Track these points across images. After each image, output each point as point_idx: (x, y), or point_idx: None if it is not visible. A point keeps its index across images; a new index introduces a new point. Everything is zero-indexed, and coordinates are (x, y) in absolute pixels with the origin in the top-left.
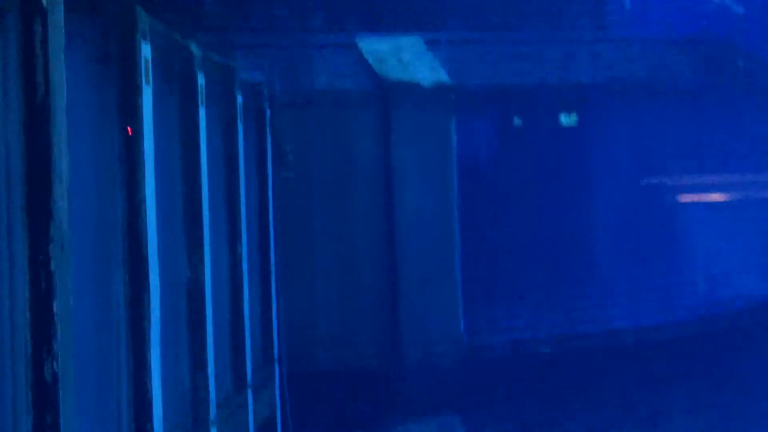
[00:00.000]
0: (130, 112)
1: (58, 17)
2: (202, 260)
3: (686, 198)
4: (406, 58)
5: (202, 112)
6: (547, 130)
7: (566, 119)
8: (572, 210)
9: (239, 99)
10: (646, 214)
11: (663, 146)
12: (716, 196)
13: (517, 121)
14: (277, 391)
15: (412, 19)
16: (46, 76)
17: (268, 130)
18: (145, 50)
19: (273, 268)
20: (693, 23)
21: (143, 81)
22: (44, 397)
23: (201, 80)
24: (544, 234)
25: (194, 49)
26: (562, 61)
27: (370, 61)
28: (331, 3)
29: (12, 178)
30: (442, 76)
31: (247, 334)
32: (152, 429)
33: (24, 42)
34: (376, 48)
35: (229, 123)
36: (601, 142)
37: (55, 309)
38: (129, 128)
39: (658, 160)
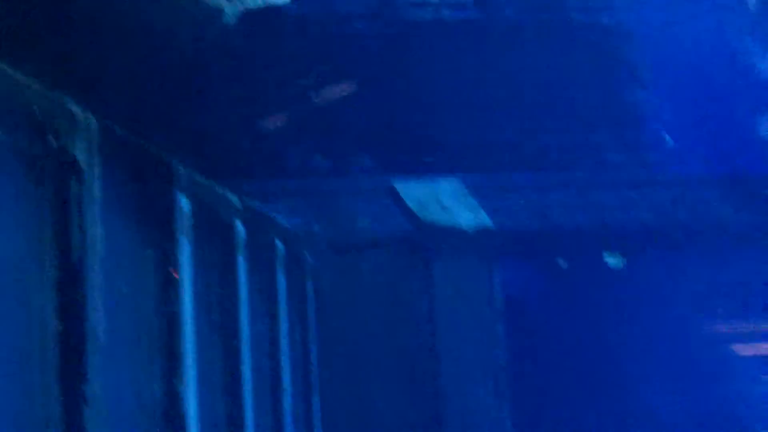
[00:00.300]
0: (169, 265)
1: (94, 175)
2: (242, 417)
3: (735, 346)
4: (447, 202)
5: (241, 262)
6: (593, 271)
7: (612, 261)
8: (619, 353)
9: (279, 247)
10: (694, 359)
11: (708, 289)
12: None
13: (562, 263)
14: None
15: (452, 162)
16: (82, 236)
17: (308, 275)
18: (183, 203)
19: (316, 417)
20: (735, 161)
21: (181, 234)
22: None
23: (240, 230)
24: (591, 379)
25: (233, 198)
26: (606, 203)
27: (411, 205)
28: (371, 148)
29: (47, 338)
30: (485, 220)
31: None
32: None
33: (59, 200)
34: (416, 192)
35: (269, 271)
36: (646, 284)
37: None
38: (174, 271)
39: (703, 303)
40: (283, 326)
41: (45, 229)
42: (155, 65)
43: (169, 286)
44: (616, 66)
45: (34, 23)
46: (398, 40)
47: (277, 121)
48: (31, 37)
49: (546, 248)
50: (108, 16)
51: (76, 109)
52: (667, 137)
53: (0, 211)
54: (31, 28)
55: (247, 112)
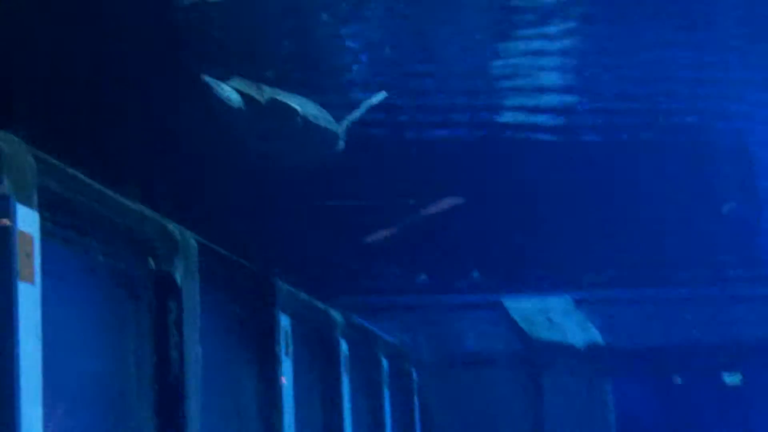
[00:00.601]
0: (270, 384)
1: (193, 295)
2: None
3: None
4: (555, 318)
5: (345, 380)
6: (709, 388)
7: (729, 378)
8: None
9: (384, 363)
10: None
11: None
12: None
13: (677, 379)
14: None
15: (559, 278)
16: (180, 356)
17: (415, 391)
18: (285, 322)
19: None
20: None
21: (283, 353)
22: None
23: (344, 347)
24: None
25: (336, 315)
26: (720, 318)
27: (519, 321)
28: (477, 264)
29: None
30: (595, 336)
31: None
32: None
33: (158, 320)
34: (523, 308)
35: (374, 386)
36: (764, 400)
37: None
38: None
39: None
40: None
41: (144, 349)
42: (260, 187)
43: (270, 407)
44: (730, 182)
45: (146, 154)
46: (505, 154)
47: (382, 237)
48: (142, 167)
49: (660, 365)
50: (228, 152)
51: (174, 229)
52: None
53: (102, 332)
54: (144, 160)
55: (351, 230)
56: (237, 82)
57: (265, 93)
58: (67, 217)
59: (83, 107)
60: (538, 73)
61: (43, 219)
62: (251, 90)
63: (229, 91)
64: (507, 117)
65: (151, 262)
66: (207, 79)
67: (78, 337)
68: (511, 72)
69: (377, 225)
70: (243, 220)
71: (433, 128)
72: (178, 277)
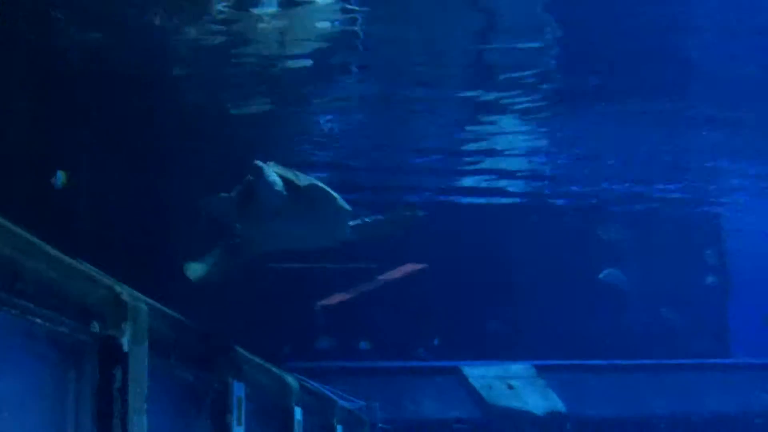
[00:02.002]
0: None
1: (140, 361)
2: None
3: None
4: (516, 385)
5: None
6: None
7: None
8: None
9: (339, 430)
10: None
11: None
12: None
13: None
14: None
15: (521, 345)
16: (123, 427)
17: None
18: (238, 389)
19: None
20: None
21: (235, 422)
22: None
23: (298, 415)
24: None
25: (291, 381)
26: (686, 390)
27: (477, 387)
28: (436, 330)
29: None
30: (557, 405)
31: None
32: None
33: (101, 388)
34: (483, 374)
35: None
36: None
37: None
38: None
39: None
40: None
41: (85, 419)
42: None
43: None
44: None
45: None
46: (466, 220)
47: (339, 302)
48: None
49: None
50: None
51: (122, 291)
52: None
53: (38, 400)
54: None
55: (308, 294)
56: (275, 167)
57: (301, 178)
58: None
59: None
60: (502, 143)
61: None
62: (289, 174)
63: (274, 175)
64: (469, 182)
65: (96, 326)
66: (257, 163)
67: (12, 407)
68: (474, 138)
69: (335, 289)
70: (196, 285)
71: (393, 192)
72: (125, 342)
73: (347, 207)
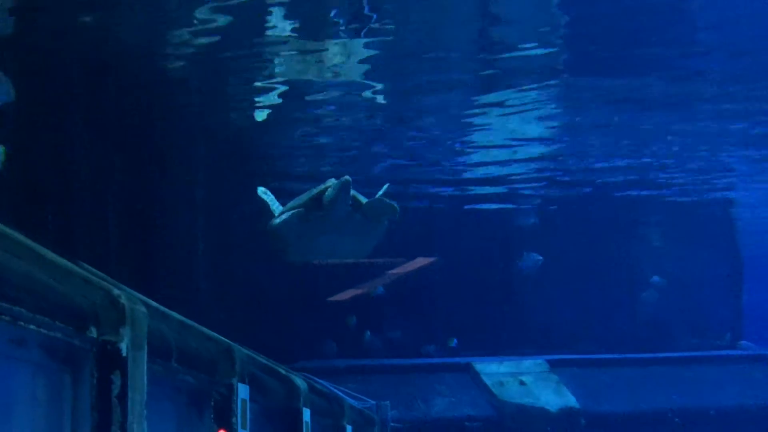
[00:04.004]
0: None
1: (140, 366)
2: None
3: None
4: (528, 381)
5: None
6: None
7: None
8: None
9: (349, 430)
10: None
11: None
12: None
13: None
14: None
15: (533, 341)
16: None
17: None
18: (242, 391)
19: None
20: None
21: (239, 426)
22: None
23: (306, 416)
24: None
25: (299, 382)
26: (701, 383)
27: (489, 385)
28: (447, 326)
29: None
30: (570, 400)
31: None
32: None
33: (99, 396)
34: (495, 371)
35: None
36: None
37: None
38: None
39: None
40: None
41: (83, 428)
42: (219, 250)
43: None
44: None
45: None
46: (478, 215)
47: (349, 298)
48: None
49: (634, 430)
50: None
51: (120, 294)
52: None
53: (33, 409)
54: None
55: (317, 291)
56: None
57: (360, 196)
58: None
59: None
60: (510, 131)
61: None
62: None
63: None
64: (476, 174)
65: (93, 331)
66: (348, 178)
67: (5, 418)
68: (485, 130)
69: (345, 286)
70: (200, 284)
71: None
72: (124, 347)
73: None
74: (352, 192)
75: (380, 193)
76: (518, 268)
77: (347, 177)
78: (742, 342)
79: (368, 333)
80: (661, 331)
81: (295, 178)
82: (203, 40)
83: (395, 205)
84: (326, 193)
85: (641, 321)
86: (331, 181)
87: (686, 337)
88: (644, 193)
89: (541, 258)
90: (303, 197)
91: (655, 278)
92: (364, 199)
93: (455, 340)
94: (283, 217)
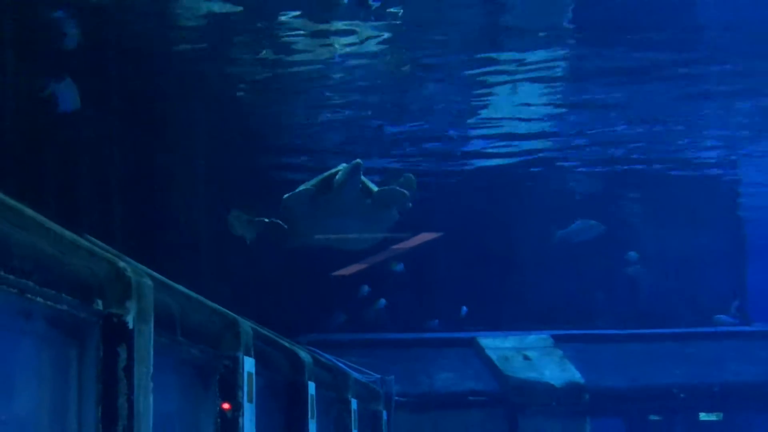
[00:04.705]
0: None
1: (146, 339)
2: None
3: None
4: (533, 356)
5: (312, 425)
6: (688, 425)
7: (707, 416)
8: None
9: (353, 404)
10: None
11: None
12: None
13: (653, 417)
14: None
15: (538, 316)
16: (129, 407)
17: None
18: (248, 365)
19: None
20: None
21: (245, 398)
22: None
23: (311, 389)
24: None
25: (303, 355)
26: (705, 359)
27: (494, 359)
28: (452, 301)
29: None
30: (575, 375)
31: None
32: None
33: (105, 368)
34: (500, 345)
35: (343, 428)
36: None
37: None
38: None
39: None
40: None
41: (89, 400)
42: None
43: None
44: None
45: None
46: (483, 189)
47: (353, 273)
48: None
49: (638, 405)
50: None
51: (126, 267)
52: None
53: (39, 382)
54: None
55: (321, 265)
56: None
57: (370, 183)
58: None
59: None
60: (518, 113)
61: None
62: (365, 180)
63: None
64: (481, 148)
65: (99, 304)
66: (359, 161)
67: (11, 390)
68: (489, 107)
69: (348, 260)
70: (204, 257)
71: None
72: (130, 320)
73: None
74: (364, 179)
75: (402, 177)
76: (569, 236)
77: (358, 161)
78: (719, 316)
79: (383, 301)
80: (648, 307)
81: (302, 152)
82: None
83: (407, 193)
84: (336, 177)
85: (623, 297)
86: (343, 166)
87: (672, 311)
88: (645, 167)
89: (598, 224)
90: (315, 179)
91: (632, 254)
92: (375, 188)
93: (465, 308)
94: (293, 192)
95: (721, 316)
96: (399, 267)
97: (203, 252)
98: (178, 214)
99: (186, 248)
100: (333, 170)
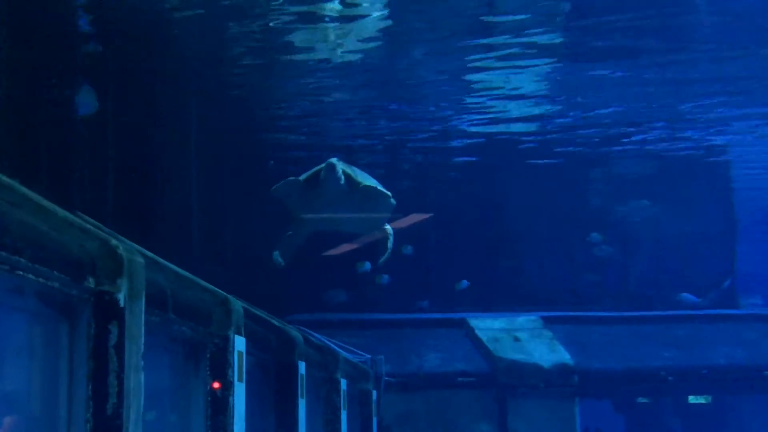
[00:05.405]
0: (221, 412)
1: (137, 317)
2: None
3: None
4: (523, 337)
5: (302, 403)
6: (676, 406)
7: (696, 399)
8: None
9: (342, 383)
10: None
11: None
12: None
13: (642, 399)
14: None
15: (528, 297)
16: (120, 384)
17: (374, 412)
18: (239, 344)
19: None
20: None
21: (236, 377)
22: None
23: (301, 368)
24: None
25: (294, 334)
26: (694, 342)
27: (484, 340)
28: (441, 281)
29: None
30: (564, 357)
31: None
32: None
33: (96, 345)
34: (489, 326)
35: (332, 408)
36: (732, 420)
37: None
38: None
39: None
40: None
41: (79, 376)
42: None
43: None
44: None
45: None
46: (472, 170)
47: (343, 253)
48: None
49: (628, 387)
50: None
51: (118, 245)
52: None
53: (30, 358)
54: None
55: (312, 245)
56: (342, 164)
57: (359, 176)
58: None
59: None
60: (505, 86)
61: None
62: (350, 172)
63: (341, 173)
64: (472, 128)
65: (91, 281)
66: (332, 160)
67: (2, 365)
68: (481, 88)
69: (338, 240)
70: (198, 237)
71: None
72: (121, 297)
73: (393, 202)
74: (351, 172)
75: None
76: (623, 215)
77: (332, 159)
78: (683, 294)
79: (386, 277)
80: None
81: (294, 137)
82: None
83: (389, 194)
84: (321, 173)
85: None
86: (334, 161)
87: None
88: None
89: (649, 203)
90: (306, 174)
91: (594, 234)
92: (365, 181)
93: (465, 282)
94: (279, 183)
95: (685, 294)
96: (407, 250)
97: (195, 225)
98: (170, 190)
99: (178, 225)
100: (323, 165)
